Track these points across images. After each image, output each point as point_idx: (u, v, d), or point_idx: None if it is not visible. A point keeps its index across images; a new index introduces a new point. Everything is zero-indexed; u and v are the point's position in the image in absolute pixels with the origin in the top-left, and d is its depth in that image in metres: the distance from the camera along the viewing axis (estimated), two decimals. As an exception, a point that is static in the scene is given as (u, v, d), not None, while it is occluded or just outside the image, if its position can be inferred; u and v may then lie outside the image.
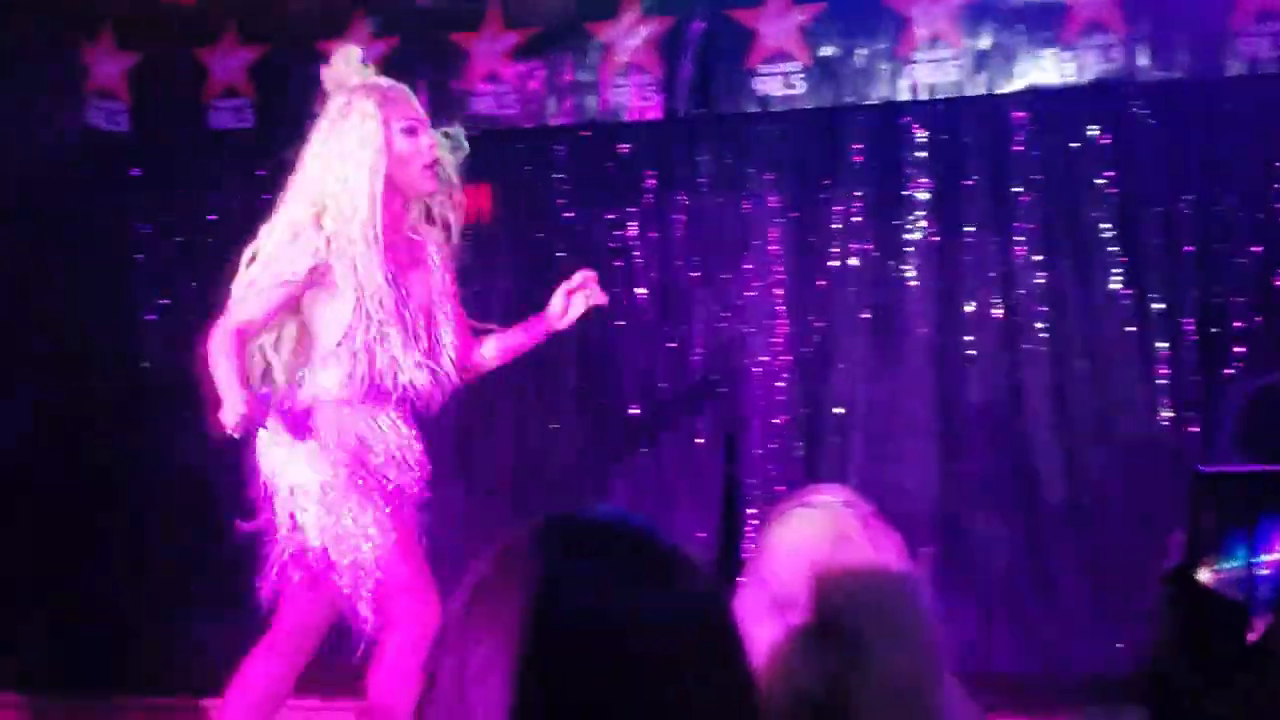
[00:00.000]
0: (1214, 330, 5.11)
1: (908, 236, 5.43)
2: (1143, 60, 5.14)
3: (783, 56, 5.41)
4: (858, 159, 5.48)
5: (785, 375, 5.50)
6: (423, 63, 5.64)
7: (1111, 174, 5.23)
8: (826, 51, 5.40)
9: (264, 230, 3.77)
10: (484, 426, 5.75)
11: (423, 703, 1.25)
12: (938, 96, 5.36)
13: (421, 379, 3.82)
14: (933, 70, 5.32)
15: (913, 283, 5.42)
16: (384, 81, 3.90)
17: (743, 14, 5.43)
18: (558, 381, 5.70)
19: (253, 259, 3.74)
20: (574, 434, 5.68)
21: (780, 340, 5.52)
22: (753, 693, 1.33)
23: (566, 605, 1.22)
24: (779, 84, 5.41)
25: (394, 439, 3.80)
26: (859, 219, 5.47)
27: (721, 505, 5.49)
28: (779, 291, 5.52)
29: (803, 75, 5.41)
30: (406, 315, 3.80)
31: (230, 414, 3.42)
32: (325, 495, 3.65)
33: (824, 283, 5.51)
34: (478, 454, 5.75)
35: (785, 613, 1.73)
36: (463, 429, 5.68)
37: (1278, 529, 1.40)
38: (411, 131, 3.81)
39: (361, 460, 3.71)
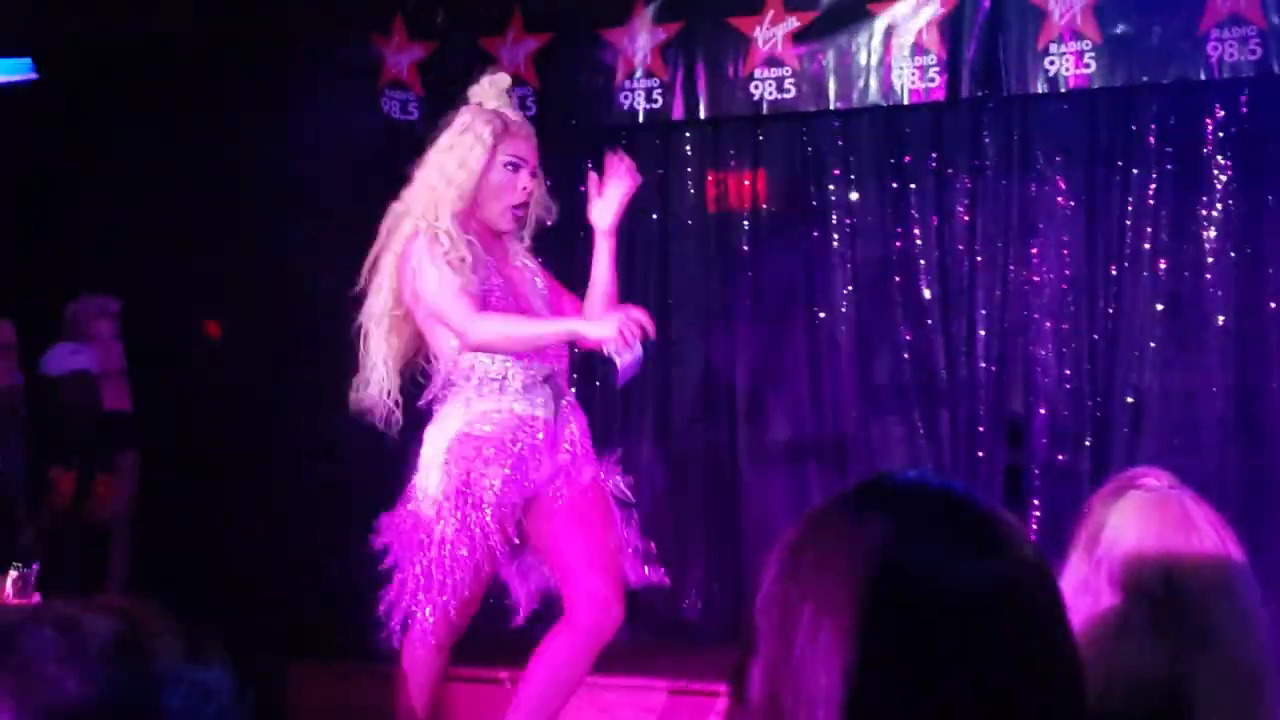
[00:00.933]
0: None
1: (1205, 221, 5.22)
2: None
3: (1073, 35, 5.25)
4: (1152, 140, 5.29)
5: (1074, 362, 5.35)
6: (704, 46, 5.68)
7: None
8: (1119, 29, 5.22)
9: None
10: (756, 408, 5.78)
11: (747, 655, 1.25)
12: (1239, 75, 5.12)
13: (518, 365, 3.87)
14: (1234, 48, 5.09)
15: (1210, 269, 5.21)
16: (513, 115, 4.06)
17: (1030, -7, 5.30)
18: (835, 363, 5.67)
19: None
20: (852, 416, 5.64)
21: (1068, 326, 5.38)
22: (1078, 666, 1.30)
23: (902, 568, 1.21)
24: (1070, 63, 5.25)
25: (517, 432, 3.85)
26: (1153, 202, 5.29)
27: (1004, 493, 5.37)
28: (1068, 274, 5.37)
29: (1094, 54, 5.24)
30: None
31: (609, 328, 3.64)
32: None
33: (1115, 269, 5.33)
34: (750, 434, 5.77)
35: (1125, 593, 1.69)
36: (745, 413, 5.74)
37: None
38: (514, 168, 3.96)
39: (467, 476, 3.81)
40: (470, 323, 3.77)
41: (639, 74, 5.77)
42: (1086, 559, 1.77)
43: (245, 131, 5.86)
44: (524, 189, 3.97)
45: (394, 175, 5.80)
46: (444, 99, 6.05)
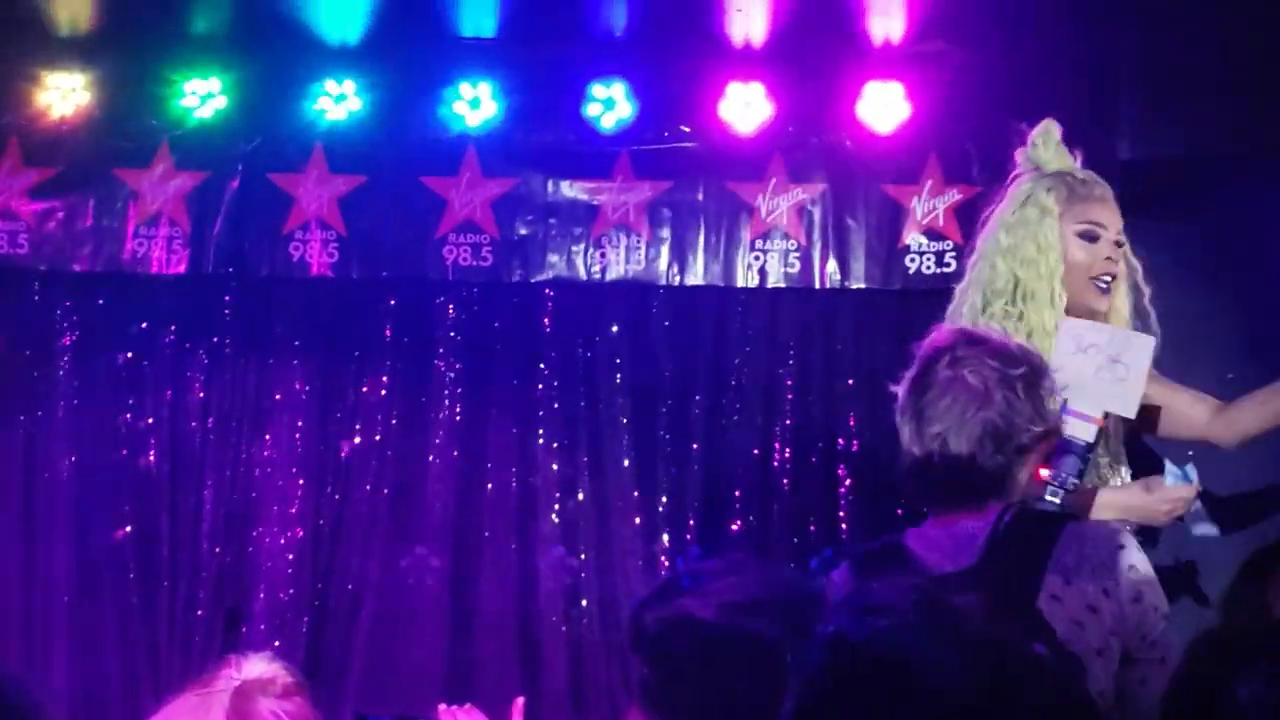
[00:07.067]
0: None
1: (433, 414, 5.44)
2: (664, 264, 5.38)
3: (320, 224, 5.37)
4: (388, 334, 5.47)
5: (297, 547, 5.37)
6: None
7: (627, 370, 5.42)
8: (364, 224, 5.40)
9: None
10: None
11: None
12: (472, 279, 5.43)
13: None
14: (467, 253, 5.40)
15: (433, 461, 5.41)
16: (1079, 174, 3.48)
17: (281, 178, 5.37)
18: (51, 536, 5.36)
19: None
20: (63, 596, 5.34)
21: (295, 511, 5.39)
22: None
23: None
24: (314, 251, 5.36)
25: None
26: (384, 393, 5.45)
27: (219, 681, 5.23)
28: (297, 460, 5.40)
29: (338, 245, 5.38)
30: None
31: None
32: None
33: (345, 456, 5.43)
34: None
35: None
36: None
37: None
38: (1089, 237, 3.41)
39: None
40: None
41: None
42: None
43: None
44: (1107, 259, 3.36)
45: None
46: None
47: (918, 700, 1.19)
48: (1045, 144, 3.49)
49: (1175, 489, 3.25)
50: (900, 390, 2.67)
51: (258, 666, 1.87)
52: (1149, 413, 3.42)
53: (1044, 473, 3.06)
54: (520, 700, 2.35)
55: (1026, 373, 2.59)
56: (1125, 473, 3.48)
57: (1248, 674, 1.62)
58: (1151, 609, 2.50)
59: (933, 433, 2.55)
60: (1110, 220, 3.41)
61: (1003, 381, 2.56)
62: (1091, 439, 3.15)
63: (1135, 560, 2.51)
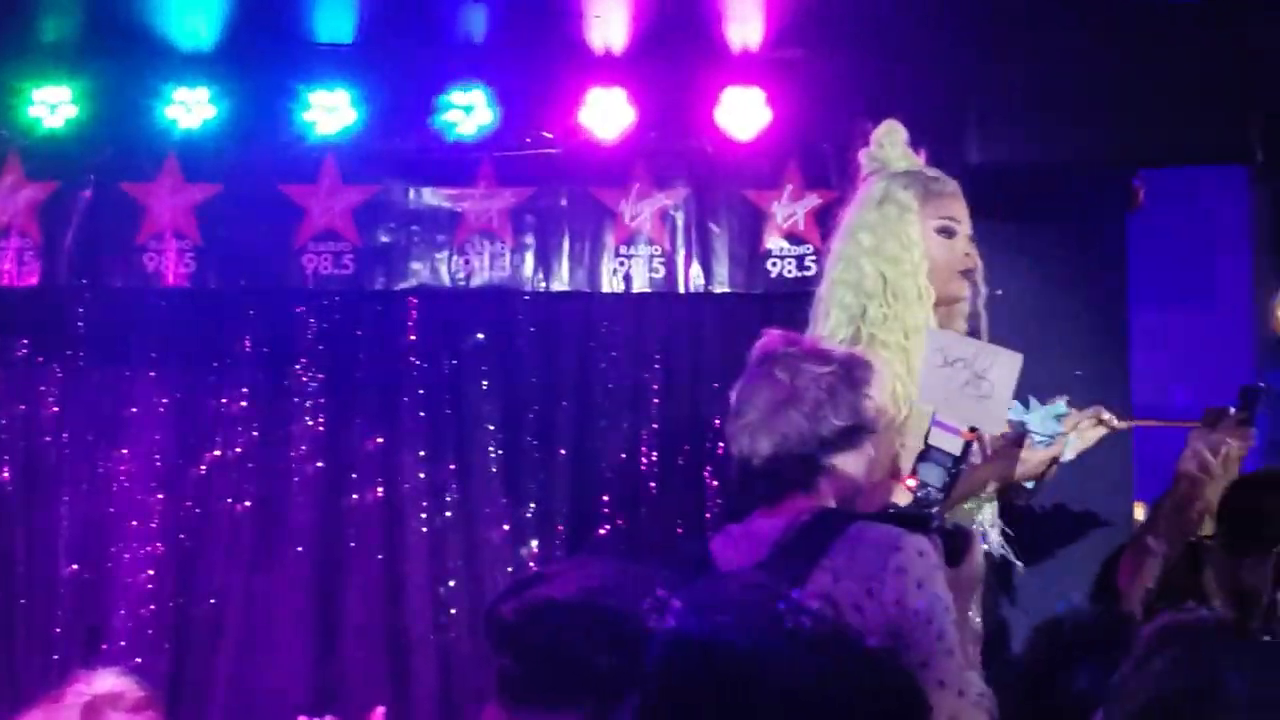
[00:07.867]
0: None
1: (295, 426, 5.38)
2: (529, 270, 5.38)
3: (175, 234, 5.29)
4: (248, 345, 5.40)
5: (157, 562, 5.27)
6: None
7: (494, 377, 5.41)
8: (221, 233, 5.32)
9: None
10: None
11: None
12: (332, 288, 5.38)
13: None
14: (329, 261, 5.36)
15: (296, 472, 5.35)
16: (929, 172, 3.49)
17: (134, 188, 5.28)
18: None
19: None
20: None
21: (155, 526, 5.29)
22: None
23: None
24: (169, 261, 5.28)
25: None
26: (245, 404, 5.38)
27: (78, 702, 5.12)
28: (156, 474, 5.31)
29: (194, 254, 5.30)
30: None
31: None
32: None
33: (205, 469, 5.35)
34: None
35: None
36: None
37: None
38: (947, 232, 3.44)
39: None
40: None
41: None
42: None
43: None
44: (965, 253, 3.40)
45: None
46: None
47: (758, 693, 1.21)
48: (890, 144, 3.55)
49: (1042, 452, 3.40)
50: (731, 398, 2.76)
51: (107, 681, 1.87)
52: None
53: (910, 482, 3.12)
54: (381, 709, 2.33)
55: (837, 370, 2.68)
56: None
57: (1083, 664, 1.68)
58: (914, 612, 2.53)
59: (743, 425, 2.64)
60: (963, 215, 3.49)
61: (814, 379, 2.65)
62: (957, 451, 3.18)
63: (906, 564, 2.54)
